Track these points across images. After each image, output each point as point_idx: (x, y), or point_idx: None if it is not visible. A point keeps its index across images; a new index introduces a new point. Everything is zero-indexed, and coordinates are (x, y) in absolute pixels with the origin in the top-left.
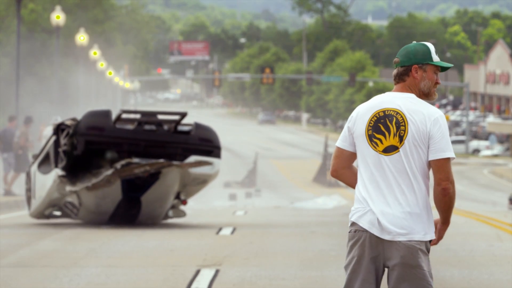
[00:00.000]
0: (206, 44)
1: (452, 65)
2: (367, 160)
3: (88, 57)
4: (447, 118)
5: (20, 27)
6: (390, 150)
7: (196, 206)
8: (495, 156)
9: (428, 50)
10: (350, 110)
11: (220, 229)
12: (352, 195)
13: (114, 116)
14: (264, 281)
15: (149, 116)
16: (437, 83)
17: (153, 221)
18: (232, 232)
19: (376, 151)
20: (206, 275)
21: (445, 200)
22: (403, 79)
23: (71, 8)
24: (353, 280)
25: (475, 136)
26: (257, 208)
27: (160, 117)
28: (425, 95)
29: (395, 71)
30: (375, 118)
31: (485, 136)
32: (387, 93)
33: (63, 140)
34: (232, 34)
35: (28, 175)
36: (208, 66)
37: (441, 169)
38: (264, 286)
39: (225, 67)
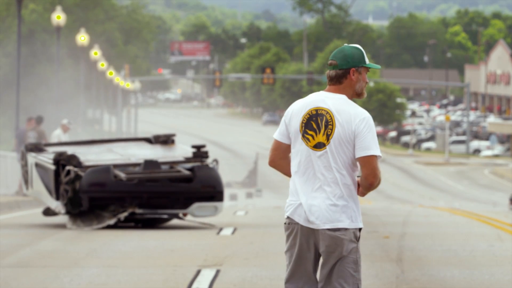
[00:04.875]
0: (206, 44)
1: (379, 66)
2: (300, 154)
3: (88, 57)
4: (447, 119)
5: (21, 28)
6: (319, 146)
7: None
8: (496, 156)
9: (362, 53)
10: None
11: (220, 229)
12: None
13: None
14: (264, 281)
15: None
16: (366, 82)
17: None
18: (233, 232)
19: (308, 146)
20: (206, 275)
21: (369, 190)
22: (340, 81)
23: (72, 8)
24: (293, 265)
25: (476, 136)
26: (257, 208)
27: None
28: (358, 95)
29: (332, 73)
30: (308, 116)
31: (486, 136)
32: (321, 92)
33: (64, 179)
34: (233, 34)
35: (24, 157)
36: (208, 66)
37: (367, 165)
38: (264, 286)
39: (226, 67)
